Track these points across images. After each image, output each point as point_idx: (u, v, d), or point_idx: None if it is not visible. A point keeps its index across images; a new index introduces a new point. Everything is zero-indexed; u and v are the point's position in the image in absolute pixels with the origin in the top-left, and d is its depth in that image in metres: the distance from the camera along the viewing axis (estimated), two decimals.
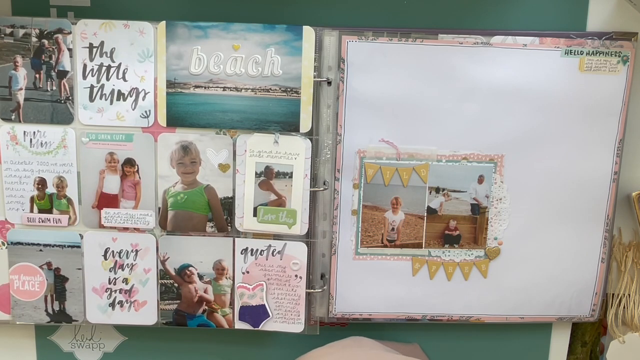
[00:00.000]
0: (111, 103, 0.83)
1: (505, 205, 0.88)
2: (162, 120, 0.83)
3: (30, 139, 0.84)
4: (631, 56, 0.84)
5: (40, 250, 0.87)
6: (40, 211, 0.86)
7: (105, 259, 0.87)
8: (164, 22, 0.81)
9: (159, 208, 0.85)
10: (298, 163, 0.83)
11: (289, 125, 0.83)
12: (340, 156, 0.86)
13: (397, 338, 0.95)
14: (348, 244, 0.88)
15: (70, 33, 0.81)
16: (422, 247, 0.89)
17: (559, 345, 0.96)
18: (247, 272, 0.87)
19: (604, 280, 0.91)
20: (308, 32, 0.81)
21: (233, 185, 0.85)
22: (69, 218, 0.86)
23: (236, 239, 0.86)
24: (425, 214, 0.88)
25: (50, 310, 0.88)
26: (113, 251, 0.86)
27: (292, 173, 0.84)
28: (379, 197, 0.87)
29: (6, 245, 0.86)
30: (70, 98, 0.83)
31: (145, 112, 0.83)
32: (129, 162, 0.84)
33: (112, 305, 0.88)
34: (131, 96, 0.83)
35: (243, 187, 0.84)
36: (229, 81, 0.82)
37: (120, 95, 0.83)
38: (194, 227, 0.86)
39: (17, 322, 0.89)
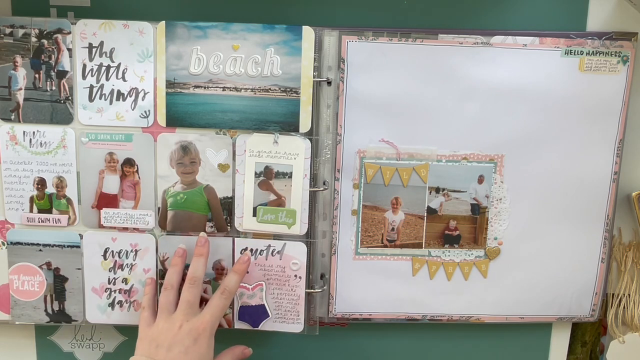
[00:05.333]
0: (111, 103, 0.83)
1: (505, 205, 0.88)
2: (162, 120, 0.83)
3: (30, 139, 0.84)
4: (631, 56, 0.84)
5: (40, 250, 0.87)
6: (40, 211, 0.86)
7: (105, 259, 0.87)
8: (163, 22, 0.81)
9: (159, 208, 0.85)
10: (297, 163, 0.83)
11: (289, 125, 0.83)
12: (340, 156, 0.85)
13: (397, 338, 0.95)
14: (348, 244, 0.88)
15: (69, 33, 0.81)
16: (422, 247, 0.88)
17: (559, 345, 0.96)
18: (247, 272, 0.87)
19: (604, 280, 0.91)
20: (307, 32, 0.81)
21: (232, 185, 0.85)
22: (69, 218, 0.86)
23: (236, 238, 0.86)
24: (425, 214, 0.88)
25: (49, 310, 0.88)
26: (112, 251, 0.86)
27: (291, 173, 0.84)
28: (379, 197, 0.87)
29: (6, 245, 0.86)
30: (70, 98, 0.83)
31: (145, 112, 0.83)
32: (129, 162, 0.84)
33: (112, 305, 0.88)
34: (131, 96, 0.83)
35: (242, 187, 0.84)
36: (229, 81, 0.82)
37: (120, 95, 0.83)
38: (193, 227, 0.86)
39: (17, 322, 0.89)
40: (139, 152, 0.84)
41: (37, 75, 0.82)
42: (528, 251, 0.89)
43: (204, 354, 0.77)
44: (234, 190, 0.85)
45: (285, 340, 0.94)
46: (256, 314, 0.87)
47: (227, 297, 0.81)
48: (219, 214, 0.85)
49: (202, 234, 0.85)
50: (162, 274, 0.87)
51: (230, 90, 0.82)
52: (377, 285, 0.89)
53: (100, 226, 0.86)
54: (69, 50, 0.82)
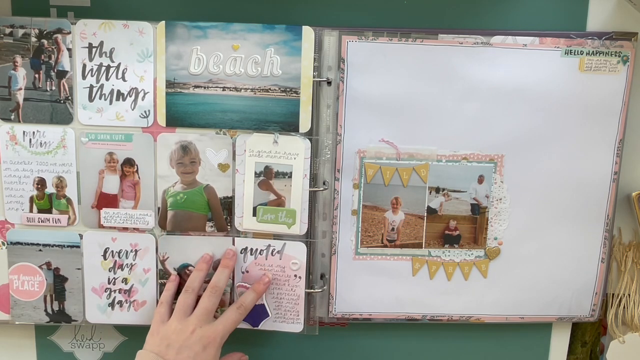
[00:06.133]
0: (110, 103, 0.83)
1: (505, 205, 0.88)
2: (162, 120, 0.83)
3: (30, 139, 0.84)
4: (631, 56, 0.84)
5: (40, 250, 0.87)
6: (40, 211, 0.86)
7: (105, 258, 0.87)
8: (163, 22, 0.81)
9: (159, 208, 0.85)
10: (297, 163, 0.83)
11: (289, 125, 0.83)
12: (340, 156, 0.85)
13: (397, 338, 0.95)
14: (348, 244, 0.88)
15: (69, 33, 0.81)
16: (422, 247, 0.88)
17: (559, 345, 0.96)
18: (247, 272, 0.87)
19: (604, 280, 0.91)
20: (307, 32, 0.81)
21: (232, 185, 0.85)
22: (69, 218, 0.86)
23: (236, 238, 0.86)
24: (425, 214, 0.88)
25: (49, 310, 0.88)
26: (112, 251, 0.86)
27: (291, 173, 0.84)
28: (379, 197, 0.87)
29: (6, 245, 0.86)
30: (70, 98, 0.83)
31: (145, 112, 0.83)
32: (129, 162, 0.84)
33: (112, 305, 0.88)
34: (130, 96, 0.83)
35: (242, 187, 0.84)
36: (229, 81, 0.82)
37: (120, 95, 0.83)
38: (193, 227, 0.86)
39: (17, 322, 0.89)
40: (139, 152, 0.84)
41: (37, 75, 0.82)
42: (528, 251, 0.89)
43: None
44: (234, 190, 0.85)
45: (285, 340, 0.94)
46: (256, 313, 0.87)
47: (241, 313, 0.83)
48: (219, 214, 0.85)
49: (232, 247, 0.86)
50: (161, 274, 0.87)
51: (230, 90, 0.82)
52: (377, 285, 0.89)
53: (100, 226, 0.86)
54: (69, 50, 0.82)
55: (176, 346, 0.78)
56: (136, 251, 0.87)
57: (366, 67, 0.83)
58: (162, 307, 0.83)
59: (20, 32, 0.81)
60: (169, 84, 0.82)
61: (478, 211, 0.88)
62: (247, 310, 0.84)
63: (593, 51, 0.83)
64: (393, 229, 0.88)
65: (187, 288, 0.83)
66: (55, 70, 0.82)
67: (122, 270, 0.87)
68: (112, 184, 0.85)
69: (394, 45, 0.83)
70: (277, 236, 0.86)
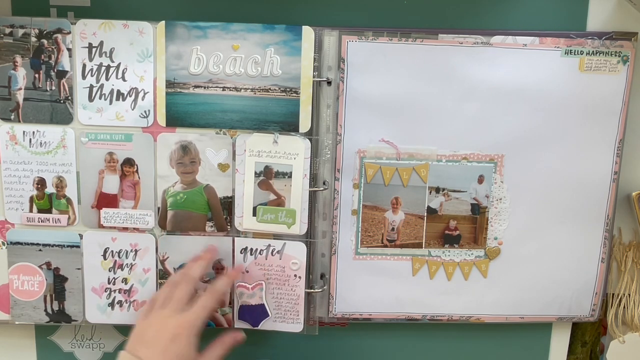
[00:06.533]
0: (110, 103, 0.83)
1: (505, 205, 0.88)
2: (162, 120, 0.83)
3: (30, 139, 0.84)
4: (631, 56, 0.84)
5: (40, 250, 0.87)
6: (40, 211, 0.86)
7: (105, 258, 0.87)
8: (163, 22, 0.81)
9: (159, 208, 0.85)
10: (297, 163, 0.83)
11: (289, 125, 0.83)
12: (340, 156, 0.85)
13: (397, 338, 0.95)
14: (348, 244, 0.88)
15: (69, 33, 0.81)
16: (422, 247, 0.88)
17: (559, 345, 0.96)
18: (247, 272, 0.87)
19: (604, 280, 0.91)
20: (307, 32, 0.81)
21: (232, 185, 0.85)
22: (69, 218, 0.86)
23: (236, 238, 0.86)
24: (425, 214, 0.88)
25: (49, 310, 0.88)
26: (112, 251, 0.86)
27: (291, 173, 0.84)
28: (379, 197, 0.87)
29: (6, 245, 0.86)
30: (70, 98, 0.83)
31: (145, 112, 0.83)
32: (129, 162, 0.84)
33: (112, 305, 0.88)
34: (130, 96, 0.83)
35: (242, 187, 0.84)
36: (229, 81, 0.82)
37: (120, 95, 0.83)
38: (193, 227, 0.86)
39: (17, 322, 0.89)
40: (139, 152, 0.84)
41: (37, 75, 0.82)
42: (528, 251, 0.89)
43: (182, 354, 0.75)
44: (234, 190, 0.85)
45: (285, 340, 0.94)
46: (256, 313, 0.87)
47: (213, 297, 0.80)
48: (219, 214, 0.85)
49: (213, 244, 0.86)
50: (161, 274, 0.87)
51: (230, 90, 0.82)
52: (377, 285, 0.89)
53: (100, 226, 0.86)
54: (69, 50, 0.82)
55: (148, 341, 0.75)
56: (136, 251, 0.87)
57: (366, 67, 0.83)
58: (146, 304, 0.82)
59: (20, 32, 0.81)
60: (169, 83, 0.82)
61: (478, 211, 0.88)
62: (219, 292, 0.81)
63: (593, 51, 0.83)
64: (393, 229, 0.88)
65: (168, 282, 0.82)
66: (55, 70, 0.82)
67: (122, 270, 0.87)
68: (112, 184, 0.85)
69: (394, 45, 0.83)
70: (277, 236, 0.86)
